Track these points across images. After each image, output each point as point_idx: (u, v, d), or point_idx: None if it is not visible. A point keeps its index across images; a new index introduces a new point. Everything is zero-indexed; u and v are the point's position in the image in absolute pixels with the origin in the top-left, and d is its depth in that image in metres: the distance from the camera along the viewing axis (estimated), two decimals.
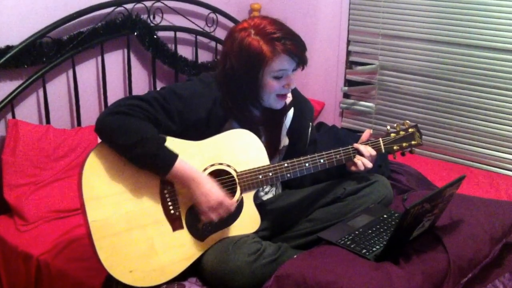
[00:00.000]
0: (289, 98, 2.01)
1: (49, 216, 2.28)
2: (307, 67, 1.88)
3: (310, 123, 2.08)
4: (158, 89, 2.19)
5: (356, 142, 2.00)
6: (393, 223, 1.87)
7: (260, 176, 1.84)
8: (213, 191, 1.73)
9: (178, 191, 1.77)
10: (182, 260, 1.76)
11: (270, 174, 1.85)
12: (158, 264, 1.73)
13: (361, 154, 1.95)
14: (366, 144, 1.98)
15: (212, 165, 1.81)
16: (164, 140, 1.72)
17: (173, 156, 1.70)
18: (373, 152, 1.97)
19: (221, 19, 3.23)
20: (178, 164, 1.70)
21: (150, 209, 1.74)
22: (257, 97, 1.86)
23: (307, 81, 3.36)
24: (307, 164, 1.88)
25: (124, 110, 1.68)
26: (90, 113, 2.72)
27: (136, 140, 1.65)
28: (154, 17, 2.87)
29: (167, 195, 1.76)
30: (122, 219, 1.70)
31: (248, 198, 1.85)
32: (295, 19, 3.34)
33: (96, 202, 1.68)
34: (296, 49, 1.80)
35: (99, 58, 2.71)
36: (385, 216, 1.92)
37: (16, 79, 2.43)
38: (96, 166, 1.69)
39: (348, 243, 1.75)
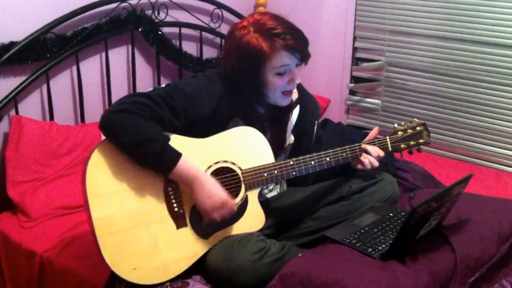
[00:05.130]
0: (295, 95, 1.99)
1: (53, 213, 2.27)
2: (313, 63, 1.86)
3: (316, 121, 2.07)
4: (162, 85, 2.18)
5: (362, 139, 1.99)
6: (400, 221, 1.86)
7: (265, 174, 1.82)
8: (215, 192, 1.71)
9: (182, 189, 1.75)
10: (186, 258, 1.75)
11: (275, 172, 1.83)
12: (162, 262, 1.72)
13: (369, 154, 1.93)
14: (373, 143, 1.96)
15: (217, 162, 1.79)
16: (168, 139, 1.71)
17: (177, 156, 1.69)
18: (381, 153, 1.95)
19: (227, 15, 3.22)
20: (181, 163, 1.68)
21: (154, 206, 1.72)
22: (261, 95, 1.85)
23: (312, 78, 3.34)
24: (312, 162, 1.86)
25: (128, 108, 1.67)
26: (94, 110, 2.71)
27: (139, 140, 1.64)
28: (158, 13, 2.86)
29: (171, 193, 1.74)
30: (126, 217, 1.69)
31: (253, 196, 1.84)
32: (301, 14, 3.32)
33: (100, 199, 1.67)
34: (297, 44, 1.77)
35: (103, 54, 2.70)
36: (391, 214, 1.90)
37: (20, 75, 2.42)
38: (100, 163, 1.68)
39: (353, 241, 1.74)
